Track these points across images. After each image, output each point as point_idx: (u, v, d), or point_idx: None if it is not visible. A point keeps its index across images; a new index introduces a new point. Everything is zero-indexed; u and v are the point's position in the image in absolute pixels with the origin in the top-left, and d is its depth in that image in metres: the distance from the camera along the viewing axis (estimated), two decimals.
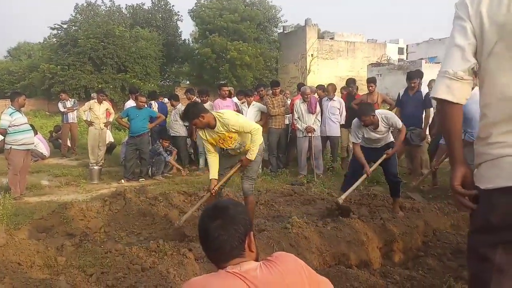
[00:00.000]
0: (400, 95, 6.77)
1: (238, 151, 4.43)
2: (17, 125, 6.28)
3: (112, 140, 10.78)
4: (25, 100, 6.81)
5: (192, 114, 4.14)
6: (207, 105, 8.12)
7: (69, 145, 11.09)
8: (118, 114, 9.53)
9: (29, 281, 2.94)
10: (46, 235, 4.37)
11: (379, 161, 4.89)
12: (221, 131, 4.21)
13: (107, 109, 9.15)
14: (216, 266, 1.50)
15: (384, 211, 4.90)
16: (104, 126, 9.01)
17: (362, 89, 11.22)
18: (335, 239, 4.07)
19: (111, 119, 9.53)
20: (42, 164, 9.40)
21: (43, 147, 10.08)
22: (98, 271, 3.34)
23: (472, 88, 1.64)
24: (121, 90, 24.78)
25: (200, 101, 8.33)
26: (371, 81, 7.83)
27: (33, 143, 7.17)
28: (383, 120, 4.76)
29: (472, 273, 1.65)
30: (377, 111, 4.85)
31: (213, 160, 4.40)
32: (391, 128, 4.89)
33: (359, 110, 4.88)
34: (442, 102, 1.62)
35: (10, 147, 6.28)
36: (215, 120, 4.18)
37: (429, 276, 3.53)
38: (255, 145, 4.27)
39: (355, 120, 4.91)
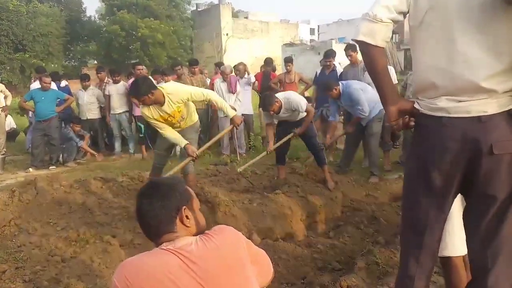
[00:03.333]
0: (317, 74, 7.03)
1: (179, 124, 4.26)
2: None
3: (15, 126, 9.79)
4: None
5: (143, 90, 3.85)
6: (120, 85, 7.76)
7: None
8: (20, 97, 8.63)
9: None
10: None
11: (285, 139, 5.13)
12: (173, 105, 4.02)
13: (1, 91, 8.25)
14: (153, 244, 1.48)
15: (305, 185, 5.09)
16: (1, 111, 8.11)
17: (278, 69, 11.44)
18: (261, 214, 4.16)
19: (8, 102, 8.53)
20: None
21: None
22: (12, 267, 3.08)
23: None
24: (21, 71, 22.61)
25: (111, 81, 7.89)
26: (288, 60, 8.02)
27: None
28: (285, 104, 4.88)
29: (404, 215, 1.80)
30: (280, 94, 5.01)
31: (171, 131, 4.13)
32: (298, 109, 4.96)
33: (262, 103, 5.01)
34: (362, 44, 1.64)
35: None
36: (163, 96, 3.95)
37: (349, 243, 3.78)
38: (222, 104, 4.27)
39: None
